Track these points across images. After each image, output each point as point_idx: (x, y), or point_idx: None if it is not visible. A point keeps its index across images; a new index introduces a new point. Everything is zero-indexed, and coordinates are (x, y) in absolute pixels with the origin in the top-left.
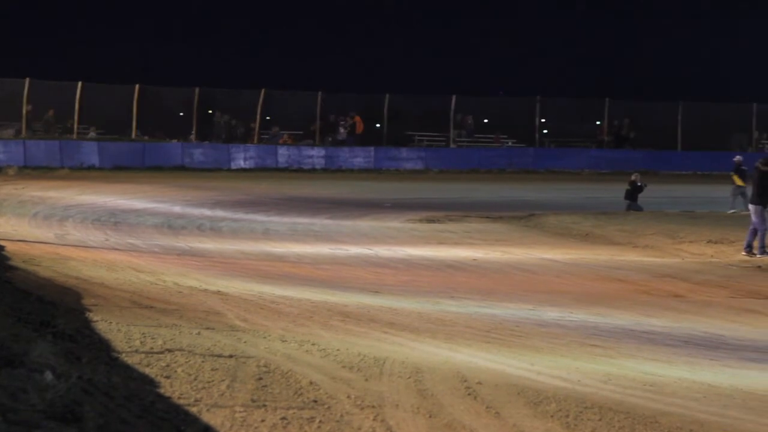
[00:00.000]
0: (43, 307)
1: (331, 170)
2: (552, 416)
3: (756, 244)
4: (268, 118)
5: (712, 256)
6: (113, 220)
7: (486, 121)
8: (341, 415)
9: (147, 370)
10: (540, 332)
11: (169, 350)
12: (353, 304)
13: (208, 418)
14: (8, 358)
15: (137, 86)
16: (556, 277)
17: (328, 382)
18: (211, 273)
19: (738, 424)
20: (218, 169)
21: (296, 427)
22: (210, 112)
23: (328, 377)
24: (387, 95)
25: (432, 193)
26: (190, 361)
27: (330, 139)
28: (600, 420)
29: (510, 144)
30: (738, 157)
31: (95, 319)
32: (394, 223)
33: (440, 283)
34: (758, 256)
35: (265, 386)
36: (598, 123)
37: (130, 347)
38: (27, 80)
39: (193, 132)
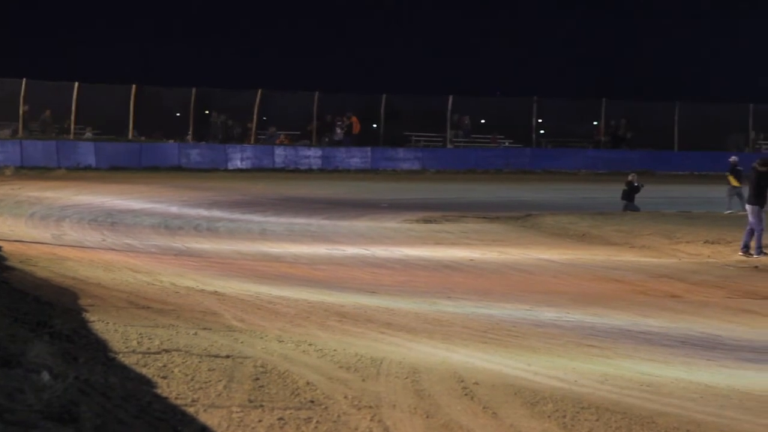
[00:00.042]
0: (40, 308)
1: (328, 170)
2: (549, 416)
3: (753, 244)
4: (264, 118)
5: (709, 256)
6: (110, 220)
7: (483, 121)
8: (338, 416)
9: (144, 371)
10: (537, 332)
11: (166, 350)
12: (350, 304)
13: (205, 418)
14: (5, 358)
15: (134, 86)
16: (553, 278)
17: (325, 382)
18: (208, 273)
19: (735, 425)
20: (215, 170)
21: (293, 427)
22: (207, 112)
23: (325, 377)
24: (384, 95)
25: (429, 194)
26: (187, 361)
27: (327, 139)
28: (597, 420)
29: (507, 144)
30: (733, 158)
31: (92, 319)
32: (391, 224)
33: (437, 283)
34: (755, 256)
35: (262, 386)
36: (595, 123)
37: (127, 347)
38: (24, 80)
39: (190, 132)
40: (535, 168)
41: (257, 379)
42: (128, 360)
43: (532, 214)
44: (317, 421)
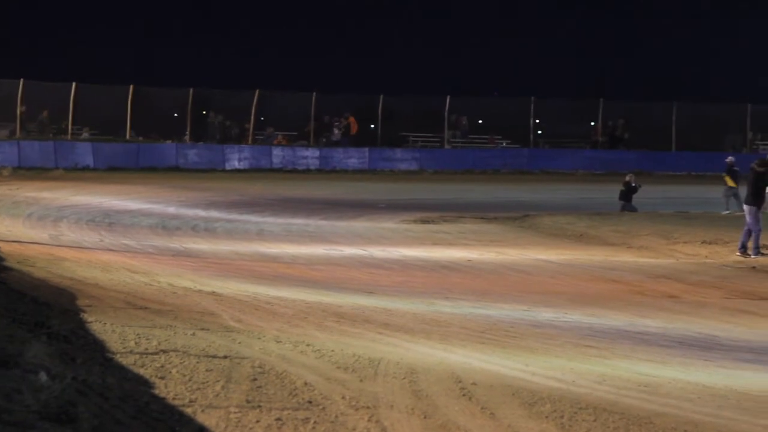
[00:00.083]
0: (38, 308)
1: (326, 171)
2: (547, 417)
3: (750, 244)
4: (262, 118)
5: (706, 256)
6: (108, 220)
7: (480, 121)
8: (336, 416)
9: (142, 371)
10: (535, 333)
11: (164, 351)
12: (348, 304)
13: (202, 418)
14: (3, 358)
15: (131, 87)
16: (550, 278)
17: (322, 382)
18: (205, 274)
19: (732, 425)
20: (213, 170)
21: (291, 427)
22: (204, 112)
23: (323, 378)
24: (381, 96)
25: (426, 194)
26: (184, 361)
27: (324, 139)
28: (595, 421)
29: (504, 145)
30: (730, 158)
31: (90, 319)
32: (388, 224)
33: (435, 283)
34: (752, 256)
35: (260, 387)
36: (592, 124)
37: (124, 348)
38: (21, 81)
39: (188, 133)
40: (532, 168)
41: (255, 379)
42: (126, 360)
43: (529, 214)
44: (315, 422)
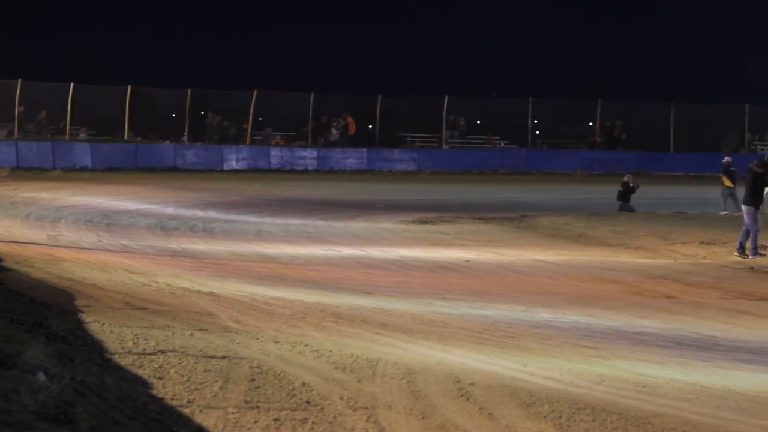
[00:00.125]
0: (36, 309)
1: (324, 171)
2: (545, 417)
3: (748, 245)
4: (260, 119)
5: (704, 257)
6: (106, 221)
7: (478, 122)
8: (334, 416)
9: (140, 372)
10: (532, 333)
11: (162, 351)
12: (346, 305)
13: (200, 419)
14: (1, 359)
15: (129, 87)
16: (548, 279)
17: (320, 383)
18: (203, 274)
19: (730, 425)
20: (211, 170)
21: (289, 428)
22: (202, 113)
23: (321, 378)
24: (379, 96)
25: (424, 195)
26: (182, 362)
27: (322, 140)
28: (593, 421)
29: (502, 145)
30: (727, 159)
31: (88, 320)
32: (386, 224)
33: (433, 284)
34: (750, 257)
35: (258, 387)
36: (590, 124)
37: (122, 348)
38: (19, 81)
39: (186, 133)
40: (530, 169)
41: (253, 380)
42: (124, 361)
43: (527, 215)
44: (313, 422)
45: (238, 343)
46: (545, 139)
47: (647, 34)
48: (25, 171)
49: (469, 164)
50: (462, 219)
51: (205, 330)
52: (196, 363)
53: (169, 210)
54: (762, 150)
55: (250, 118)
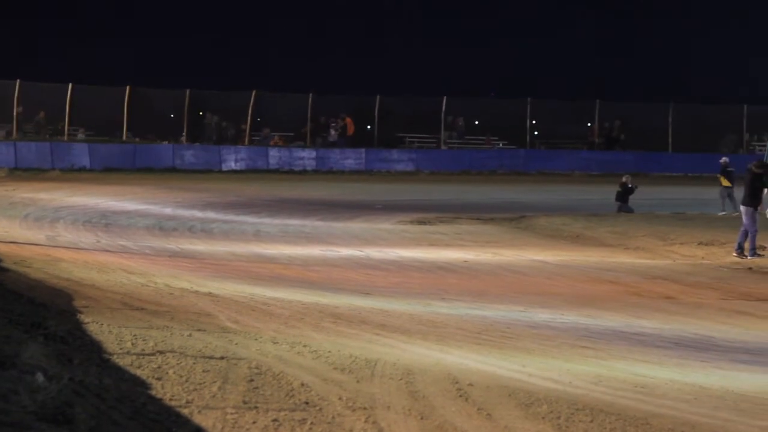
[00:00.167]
0: (35, 309)
1: (322, 172)
2: (543, 418)
3: (747, 245)
4: (258, 119)
5: (702, 257)
6: (104, 221)
7: (477, 122)
8: (333, 417)
9: (138, 372)
10: (531, 334)
11: (161, 352)
12: (344, 305)
13: (199, 419)
14: (0, 359)
15: (128, 88)
16: (547, 279)
17: (319, 383)
18: (202, 275)
19: (729, 426)
20: (209, 171)
21: (287, 428)
22: (201, 113)
23: (320, 379)
24: (378, 97)
25: (423, 195)
26: (181, 362)
27: (321, 140)
28: (591, 422)
29: (501, 146)
30: (724, 159)
31: (86, 320)
32: (385, 225)
33: (431, 284)
34: (749, 257)
35: (257, 388)
36: (588, 125)
37: (121, 349)
38: (18, 82)
39: (184, 134)
40: (529, 169)
41: (252, 380)
42: (123, 361)
43: (526, 215)
44: (312, 423)
45: (236, 344)
46: (544, 139)
47: (646, 34)
48: (23, 171)
49: (467, 165)
50: (460, 219)
51: (204, 330)
52: (194, 363)
53: (168, 210)
54: (760, 151)
55: (249, 118)
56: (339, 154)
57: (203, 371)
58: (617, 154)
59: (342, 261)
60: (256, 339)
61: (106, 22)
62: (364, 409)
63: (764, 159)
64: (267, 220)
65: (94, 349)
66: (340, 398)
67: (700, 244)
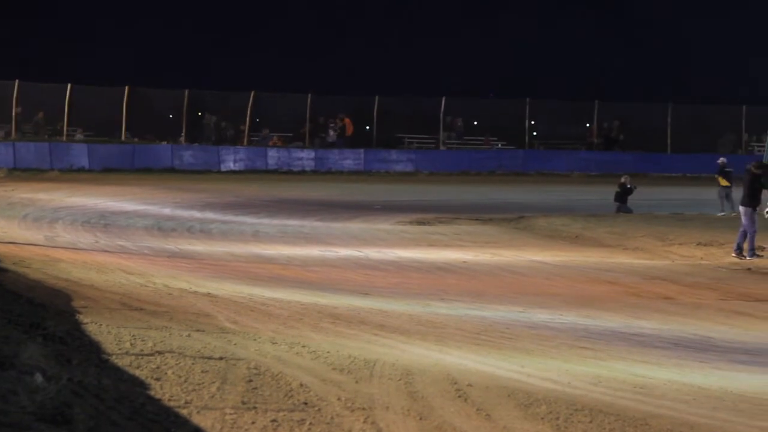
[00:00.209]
0: (33, 310)
1: (321, 172)
2: (542, 418)
3: (746, 246)
4: (257, 120)
5: (701, 258)
6: (103, 222)
7: (476, 123)
8: (331, 418)
9: (137, 372)
10: (530, 334)
11: (160, 352)
12: (343, 306)
13: (198, 420)
14: None
15: (127, 88)
16: (546, 280)
17: (318, 384)
18: (201, 275)
19: (728, 427)
20: (208, 171)
21: (286, 429)
22: (200, 114)
23: (319, 379)
24: (376, 97)
25: (422, 195)
26: (180, 363)
27: (319, 141)
28: (590, 422)
29: (500, 146)
30: (722, 159)
31: (85, 321)
32: (383, 225)
33: (430, 285)
34: (748, 258)
35: (256, 388)
36: (587, 125)
37: (120, 349)
38: (16, 82)
39: (183, 134)
40: (527, 170)
41: (250, 380)
42: (121, 362)
43: (524, 215)
44: (310, 423)
45: (235, 344)
46: (542, 140)
47: (646, 34)
48: (22, 172)
49: (466, 165)
50: (459, 220)
51: (203, 331)
52: (193, 364)
53: (167, 211)
54: (759, 151)
55: (248, 119)
56: (338, 154)
57: (202, 371)
58: (616, 154)
59: (341, 261)
60: (254, 339)
61: (105, 22)
62: (363, 409)
63: (763, 159)
64: (266, 221)
65: (92, 350)
66: (338, 399)
67: (698, 244)
